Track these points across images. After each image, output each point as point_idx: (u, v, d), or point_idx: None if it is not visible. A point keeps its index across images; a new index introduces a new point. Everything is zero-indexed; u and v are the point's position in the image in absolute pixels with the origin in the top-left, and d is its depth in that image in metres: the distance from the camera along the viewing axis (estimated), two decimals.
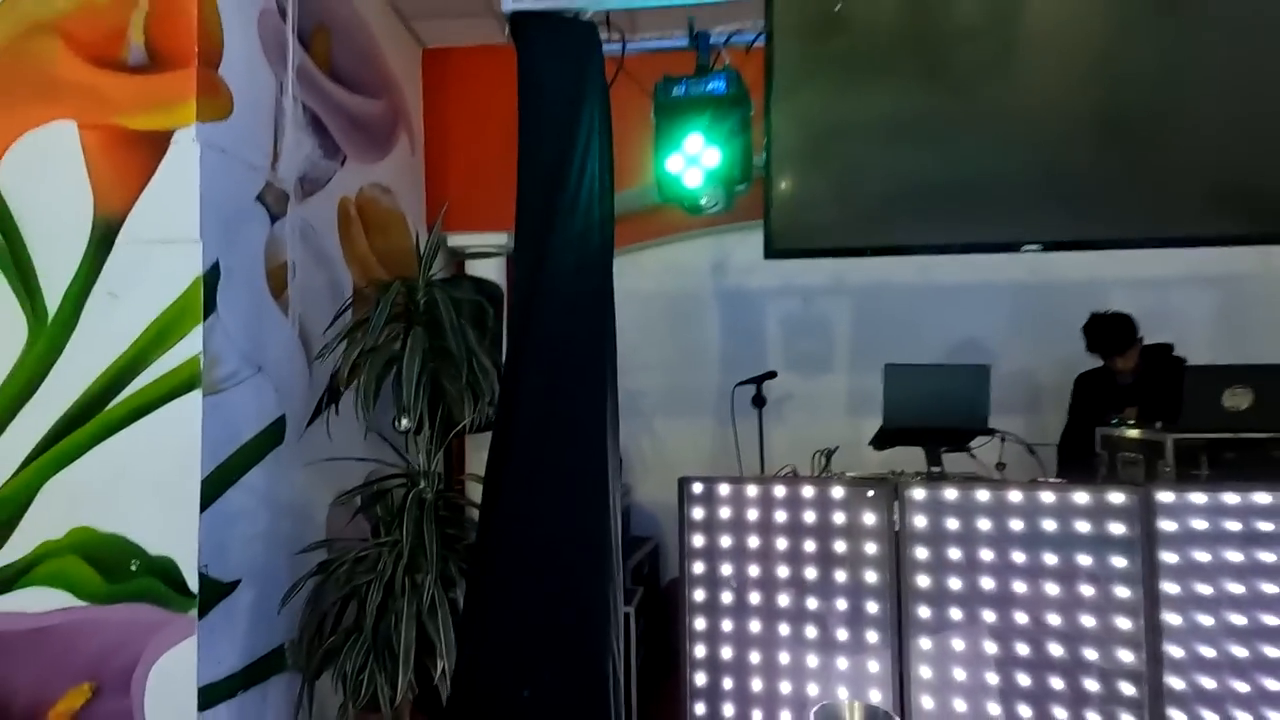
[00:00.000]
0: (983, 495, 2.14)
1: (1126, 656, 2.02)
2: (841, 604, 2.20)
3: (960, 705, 2.10)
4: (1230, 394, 2.73)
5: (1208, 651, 2.00)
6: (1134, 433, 2.92)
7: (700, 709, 2.26)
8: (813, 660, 2.20)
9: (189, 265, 2.07)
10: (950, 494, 2.17)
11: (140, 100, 2.10)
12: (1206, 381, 2.79)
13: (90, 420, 2.09)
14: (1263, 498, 2.03)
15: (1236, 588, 2.02)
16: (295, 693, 2.39)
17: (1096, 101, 2.08)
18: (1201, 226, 2.31)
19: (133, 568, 2.05)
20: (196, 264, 2.08)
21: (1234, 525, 2.04)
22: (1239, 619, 2.01)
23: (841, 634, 2.19)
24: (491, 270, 3.90)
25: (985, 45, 1.84)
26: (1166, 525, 2.04)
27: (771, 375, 3.53)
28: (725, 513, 2.30)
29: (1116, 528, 2.06)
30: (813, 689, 2.17)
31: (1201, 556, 2.03)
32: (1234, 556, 2.03)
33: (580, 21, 1.64)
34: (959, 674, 2.10)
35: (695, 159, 1.69)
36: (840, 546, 2.21)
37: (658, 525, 4.03)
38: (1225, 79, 2.07)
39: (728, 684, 2.25)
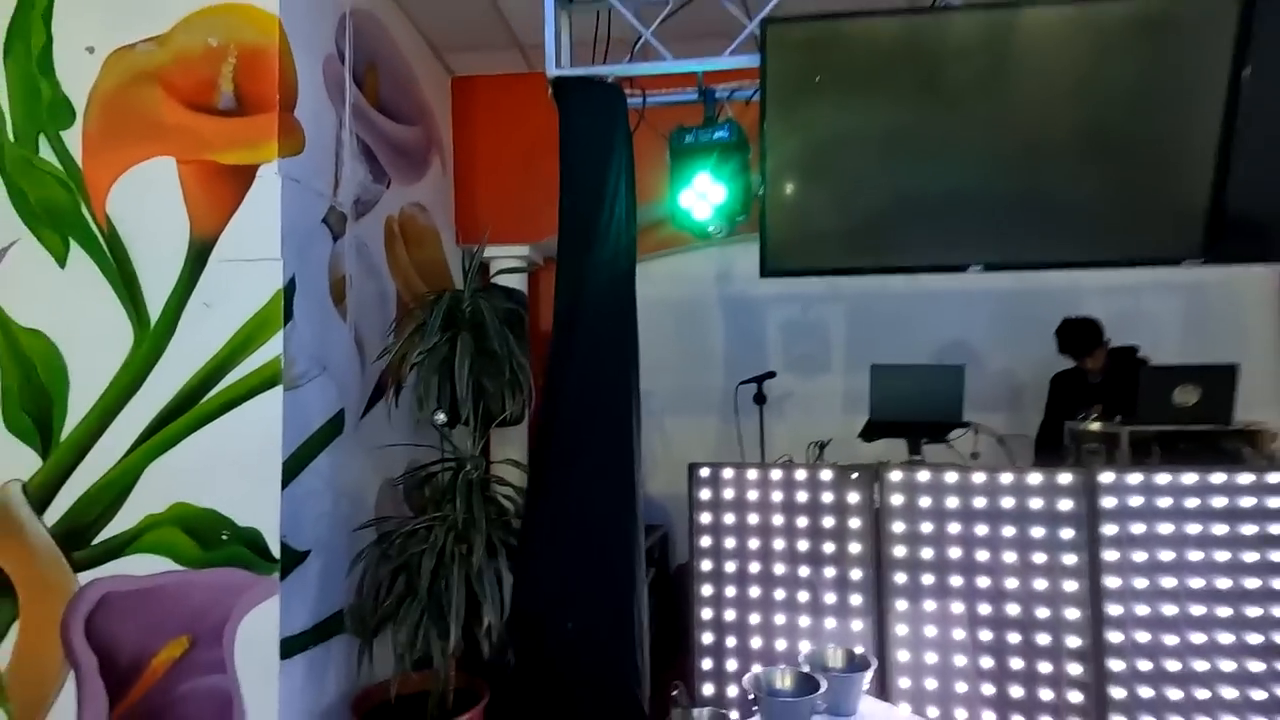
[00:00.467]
0: (951, 477, 2.48)
1: (1073, 614, 2.36)
2: (830, 571, 2.54)
3: (931, 657, 2.43)
4: (1180, 391, 3.07)
5: (1142, 610, 2.34)
6: (1095, 426, 3.27)
7: (706, 664, 2.60)
8: (804, 621, 2.54)
9: (271, 280, 2.43)
10: (923, 476, 2.51)
11: (230, 139, 2.46)
12: (1159, 380, 3.13)
13: (186, 413, 2.45)
14: (1189, 478, 2.37)
15: (1167, 554, 2.35)
16: (354, 651, 2.74)
17: (1080, 124, 2.14)
18: (1170, 248, 2.36)
19: (224, 537, 2.40)
20: (277, 279, 2.44)
21: (1165, 501, 2.37)
22: (1169, 581, 2.34)
23: (829, 598, 2.53)
24: (514, 277, 4.26)
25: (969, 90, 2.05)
26: (1107, 502, 2.38)
27: (771, 375, 3.86)
28: (729, 494, 2.64)
29: (1065, 504, 2.40)
30: (805, 646, 2.50)
31: (1137, 528, 2.37)
32: (1165, 528, 2.36)
33: (608, 84, 1.99)
34: (930, 631, 2.44)
35: (704, 195, 2.04)
36: (829, 522, 2.56)
37: (668, 515, 4.35)
38: (1200, 109, 2.11)
39: (730, 642, 2.59)
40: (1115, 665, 2.32)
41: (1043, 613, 2.38)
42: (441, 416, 2.86)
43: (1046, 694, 2.35)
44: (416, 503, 3.05)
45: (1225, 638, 2.31)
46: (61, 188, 2.51)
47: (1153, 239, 2.30)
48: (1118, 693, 2.32)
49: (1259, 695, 2.28)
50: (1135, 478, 2.39)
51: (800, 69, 1.88)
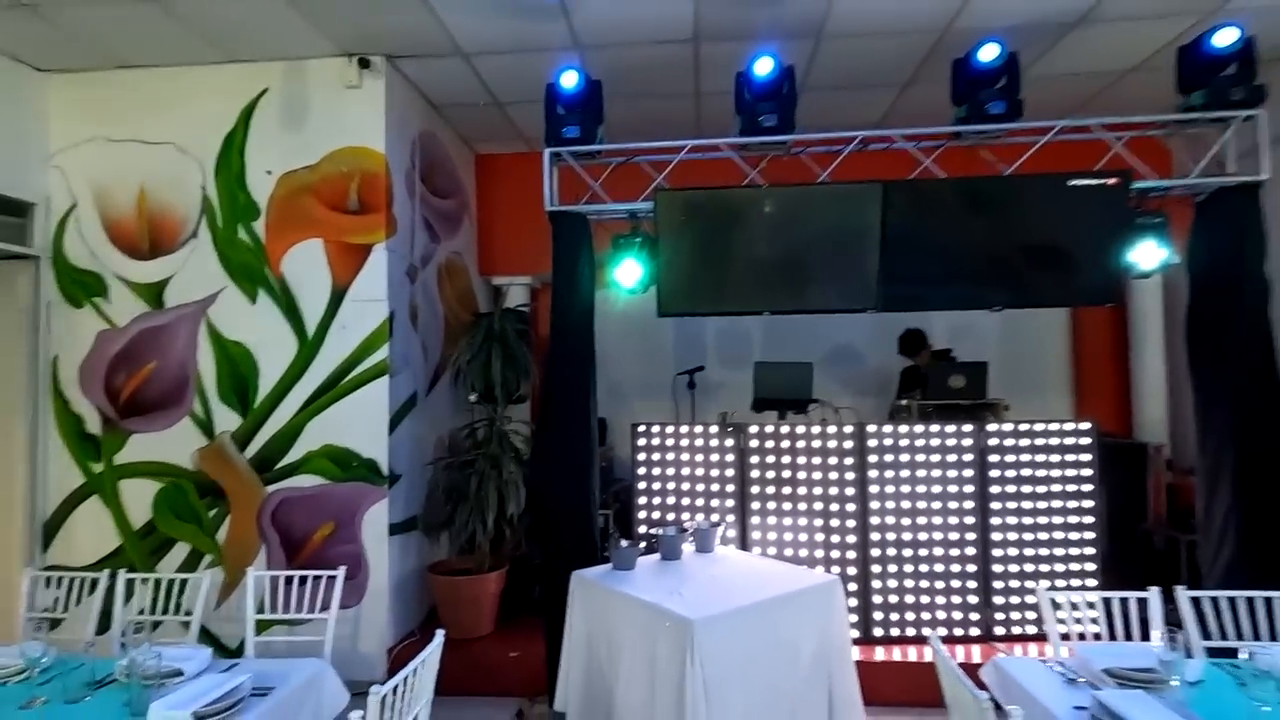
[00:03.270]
0: (784, 429, 4.18)
1: (850, 507, 4.05)
2: (715, 487, 4.23)
3: (772, 535, 4.13)
4: (953, 378, 4.77)
5: (890, 519, 4.03)
6: (904, 402, 4.97)
7: (642, 529, 4.29)
8: (699, 516, 4.23)
9: (380, 313, 4.10)
10: (769, 429, 4.20)
11: (355, 229, 4.12)
12: (940, 371, 4.84)
13: (329, 391, 4.11)
14: (934, 429, 4.06)
15: (908, 484, 4.04)
16: (422, 541, 4.42)
17: (818, 235, 3.54)
18: (862, 302, 3.61)
19: (354, 464, 4.07)
20: (384, 312, 4.10)
21: (920, 443, 4.07)
22: (918, 503, 4.03)
23: (714, 502, 4.22)
24: (519, 293, 5.94)
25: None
26: (871, 444, 4.08)
27: (700, 369, 5.53)
28: (656, 442, 4.33)
29: (848, 444, 4.09)
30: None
31: (888, 456, 4.06)
32: (910, 458, 4.06)
33: (579, 214, 3.64)
34: (771, 519, 4.13)
35: (629, 273, 3.68)
36: (714, 458, 4.24)
37: (629, 471, 6.03)
38: (869, 234, 3.58)
39: (655, 515, 4.28)
40: (874, 536, 4.03)
41: (834, 506, 4.08)
42: (474, 396, 4.55)
43: (835, 553, 4.05)
44: (459, 448, 4.74)
45: (954, 529, 4.01)
46: (252, 256, 4.16)
47: (854, 297, 3.64)
48: (874, 552, 4.02)
49: (936, 559, 3.98)
50: (888, 428, 4.09)
51: (675, 210, 3.55)
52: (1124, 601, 2.57)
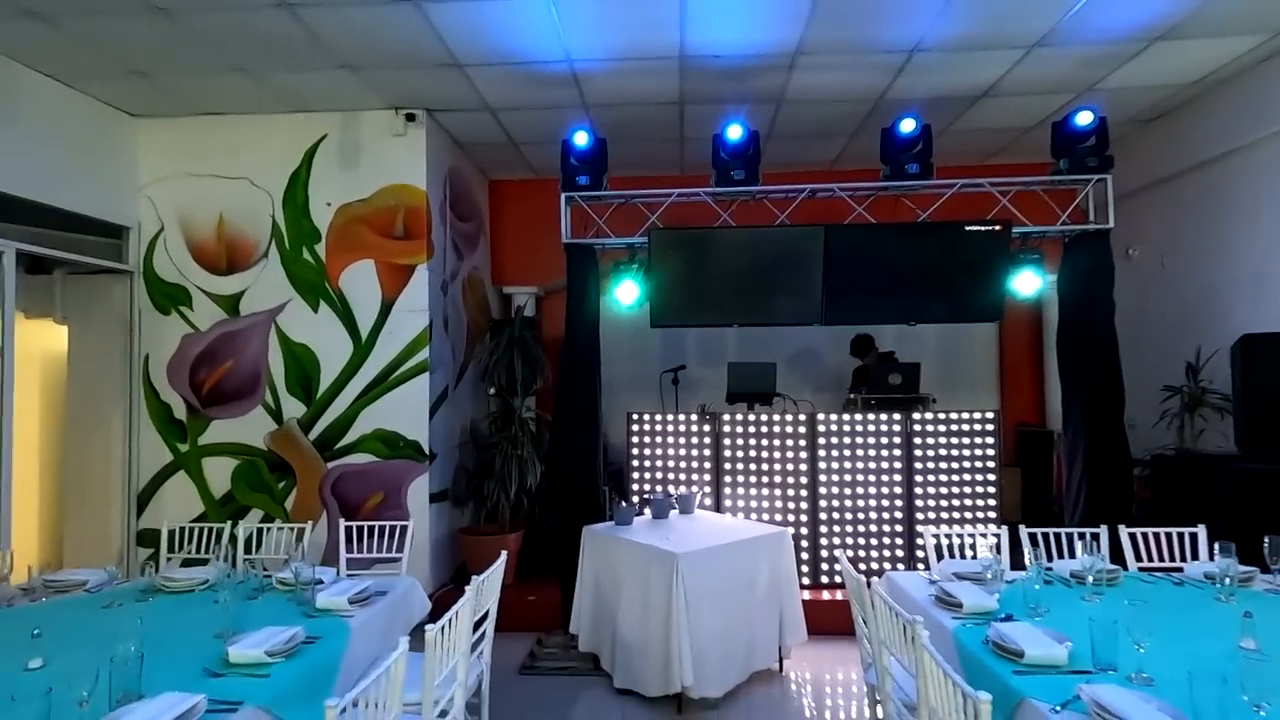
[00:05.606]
0: (752, 418, 5.15)
1: (803, 479, 5.03)
2: (695, 465, 5.19)
3: (741, 502, 5.10)
4: (892, 376, 5.76)
5: (835, 489, 5.02)
6: (852, 396, 5.97)
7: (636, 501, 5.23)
8: (681, 489, 5.19)
9: (422, 321, 5.00)
10: (739, 417, 5.17)
11: (401, 252, 5.01)
12: (882, 369, 5.83)
13: (380, 384, 5.00)
14: (871, 417, 5.05)
15: (849, 461, 5.03)
16: (452, 510, 5.34)
17: (776, 258, 4.79)
18: (809, 317, 5.07)
19: (400, 445, 4.98)
20: (424, 321, 5.00)
21: (859, 428, 5.06)
22: (857, 476, 5.02)
23: (695, 478, 5.19)
24: (527, 300, 6.86)
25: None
26: (820, 429, 5.06)
27: (682, 367, 6.48)
28: (647, 428, 5.29)
29: (801, 430, 5.07)
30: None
31: (834, 439, 5.05)
32: (850, 440, 5.05)
33: (589, 246, 4.58)
34: (740, 490, 5.10)
35: (627, 293, 4.64)
36: (694, 440, 5.21)
37: (623, 455, 6.99)
38: (814, 264, 4.85)
39: (645, 489, 5.23)
40: (822, 503, 5.02)
41: (791, 479, 5.06)
42: (493, 390, 5.47)
43: (791, 516, 5.03)
44: (480, 432, 5.67)
45: (886, 498, 5.01)
46: (314, 273, 5.04)
47: (804, 313, 4.75)
48: (822, 515, 5.01)
49: (894, 531, 4.99)
50: (835, 417, 5.08)
51: (665, 244, 4.53)
52: (984, 536, 3.58)
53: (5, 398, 4.10)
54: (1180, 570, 3.12)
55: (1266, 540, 2.73)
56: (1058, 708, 1.84)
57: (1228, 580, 2.71)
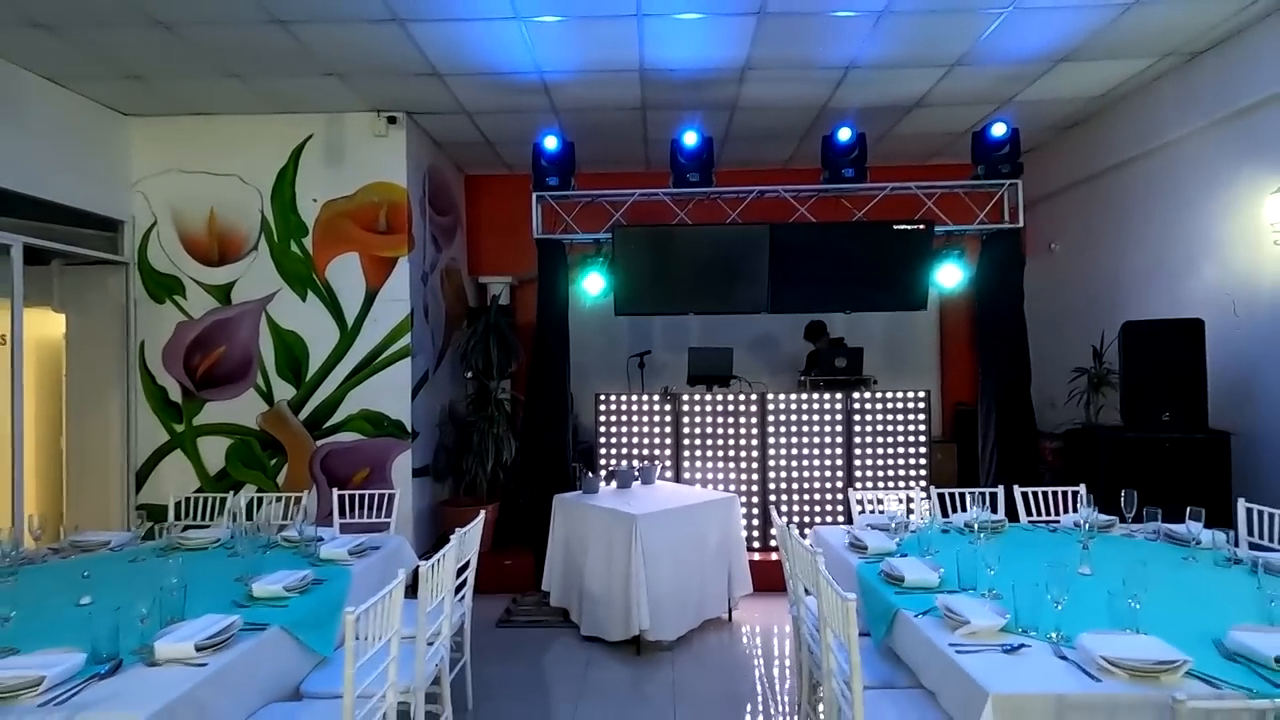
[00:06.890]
0: (710, 398, 5.65)
1: (753, 452, 5.56)
2: (658, 440, 5.69)
3: (699, 474, 5.61)
4: (838, 359, 6.31)
5: (783, 461, 5.56)
6: (804, 378, 6.51)
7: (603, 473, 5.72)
8: (644, 463, 5.68)
9: (404, 309, 5.40)
10: (699, 398, 5.67)
11: (384, 245, 5.39)
12: (829, 353, 6.37)
13: (366, 368, 5.40)
14: (816, 397, 5.58)
15: (796, 436, 5.57)
16: (434, 484, 5.77)
17: (734, 255, 5.41)
18: (757, 306, 5.71)
19: (385, 424, 5.39)
20: (406, 309, 5.40)
21: (805, 406, 5.59)
22: (803, 450, 5.56)
23: (657, 453, 5.68)
24: (503, 291, 7.27)
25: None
26: (770, 406, 5.58)
27: (648, 352, 6.96)
28: (613, 407, 5.76)
29: (753, 408, 5.59)
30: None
31: (783, 417, 5.58)
32: (796, 418, 5.58)
33: (558, 241, 5.00)
34: (699, 461, 5.61)
35: (594, 284, 5.08)
36: (657, 419, 5.70)
37: (591, 434, 7.47)
38: (759, 260, 5.46)
39: (610, 464, 5.71)
40: (771, 474, 5.55)
41: (744, 453, 5.58)
42: (470, 373, 5.91)
43: (744, 486, 5.56)
44: (458, 413, 6.10)
45: (829, 469, 5.56)
46: (302, 265, 5.40)
47: (752, 303, 5.39)
48: (770, 485, 5.55)
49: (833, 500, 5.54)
50: (783, 396, 5.61)
51: (628, 240, 4.98)
52: (900, 501, 4.14)
53: (17, 383, 4.43)
54: (1058, 521, 3.70)
55: (1123, 494, 3.30)
56: (921, 613, 2.37)
57: (1089, 526, 3.28)
